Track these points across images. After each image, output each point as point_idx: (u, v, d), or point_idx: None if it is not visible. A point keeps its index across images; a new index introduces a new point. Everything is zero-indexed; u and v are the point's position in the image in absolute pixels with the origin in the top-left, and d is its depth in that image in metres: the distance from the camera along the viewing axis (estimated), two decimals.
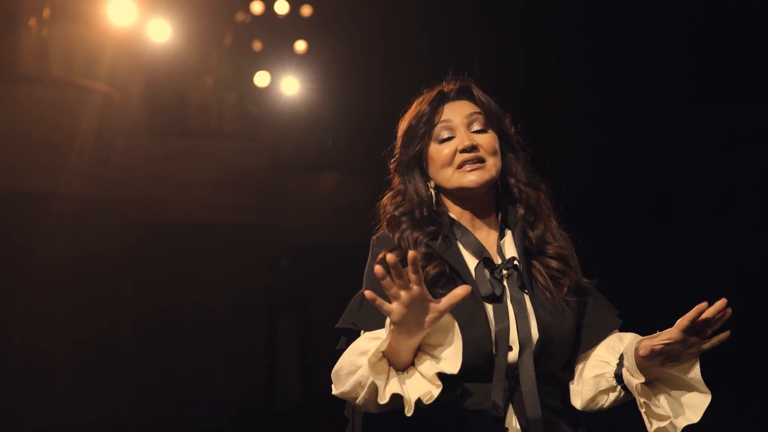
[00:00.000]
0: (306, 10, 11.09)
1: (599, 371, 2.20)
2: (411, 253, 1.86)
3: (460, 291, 1.89)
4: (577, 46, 9.38)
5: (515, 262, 2.22)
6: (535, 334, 2.16)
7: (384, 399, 1.95)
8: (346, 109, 9.79)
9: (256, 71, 10.61)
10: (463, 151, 2.25)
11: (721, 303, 1.97)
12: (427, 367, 1.99)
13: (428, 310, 1.91)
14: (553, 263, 2.25)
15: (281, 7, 10.79)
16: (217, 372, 11.68)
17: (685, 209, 12.30)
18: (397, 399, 1.96)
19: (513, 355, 2.15)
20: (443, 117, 2.29)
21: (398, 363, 2.01)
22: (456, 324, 1.97)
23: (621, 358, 2.16)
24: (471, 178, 2.24)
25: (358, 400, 2.02)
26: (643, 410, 2.08)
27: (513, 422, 2.15)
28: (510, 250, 2.27)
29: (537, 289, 2.22)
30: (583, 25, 9.16)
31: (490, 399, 2.13)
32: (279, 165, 11.91)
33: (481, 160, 2.25)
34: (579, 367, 2.25)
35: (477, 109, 2.31)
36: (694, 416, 2.09)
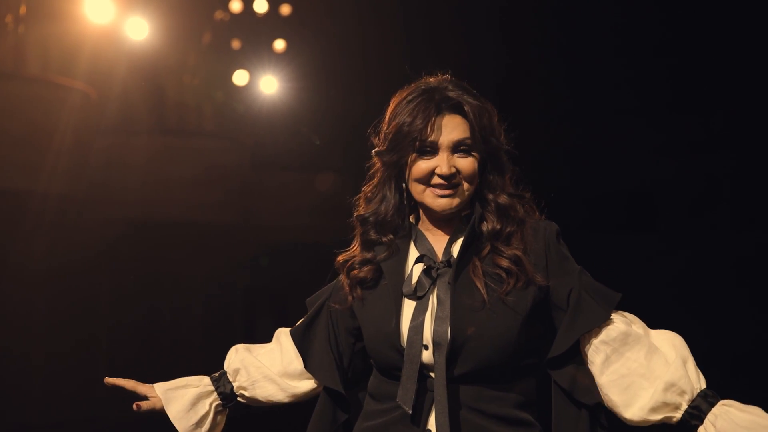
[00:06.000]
0: (285, 9, 11.06)
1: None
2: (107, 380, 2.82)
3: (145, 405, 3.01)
4: (557, 45, 9.38)
5: (451, 261, 2.23)
6: (449, 334, 2.14)
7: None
8: (325, 107, 9.77)
9: (234, 70, 10.58)
10: (440, 176, 2.26)
11: None
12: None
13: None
14: (504, 263, 2.23)
15: (260, 6, 10.76)
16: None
17: (666, 210, 12.34)
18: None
19: (428, 355, 2.15)
20: (432, 137, 2.28)
21: None
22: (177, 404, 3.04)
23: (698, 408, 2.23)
24: (439, 203, 2.30)
25: None
26: None
27: (433, 423, 2.18)
28: (456, 249, 2.25)
29: (469, 288, 2.19)
30: (564, 24, 9.16)
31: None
32: (258, 163, 11.87)
33: (455, 186, 2.25)
34: (598, 367, 2.24)
35: (466, 135, 2.29)
36: None
